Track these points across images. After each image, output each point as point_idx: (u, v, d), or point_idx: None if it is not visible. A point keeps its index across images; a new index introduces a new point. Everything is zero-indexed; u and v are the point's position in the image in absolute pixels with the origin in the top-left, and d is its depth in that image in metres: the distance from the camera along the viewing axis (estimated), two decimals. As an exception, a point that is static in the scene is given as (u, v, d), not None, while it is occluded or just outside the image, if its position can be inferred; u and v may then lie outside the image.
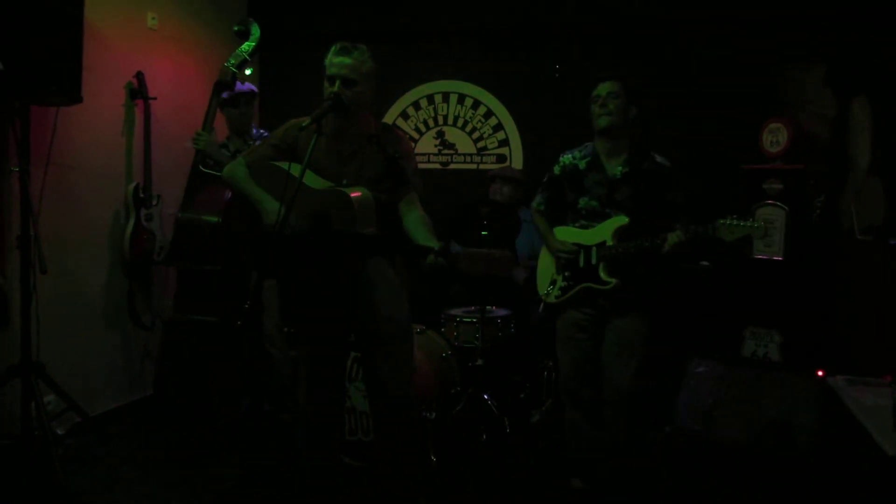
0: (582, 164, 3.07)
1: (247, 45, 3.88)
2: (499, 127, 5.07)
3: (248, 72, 3.89)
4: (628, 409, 3.03)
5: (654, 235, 2.87)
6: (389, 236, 2.71)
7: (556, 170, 3.17)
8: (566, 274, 3.10)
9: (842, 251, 4.01)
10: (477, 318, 3.93)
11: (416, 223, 2.69)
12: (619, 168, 3.00)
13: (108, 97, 4.13)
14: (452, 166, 5.18)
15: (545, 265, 3.23)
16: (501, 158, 5.06)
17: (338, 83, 2.62)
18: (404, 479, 2.95)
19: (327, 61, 2.67)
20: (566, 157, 3.14)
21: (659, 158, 3.01)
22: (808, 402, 3.64)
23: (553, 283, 3.15)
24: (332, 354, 2.92)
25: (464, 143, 5.16)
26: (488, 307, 4.05)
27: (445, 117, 5.18)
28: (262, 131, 4.04)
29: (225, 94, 4.01)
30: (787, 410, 3.67)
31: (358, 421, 3.52)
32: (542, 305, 3.19)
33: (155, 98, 4.29)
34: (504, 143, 5.06)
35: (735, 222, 2.76)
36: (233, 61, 3.87)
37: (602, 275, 2.98)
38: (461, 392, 3.89)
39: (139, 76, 4.26)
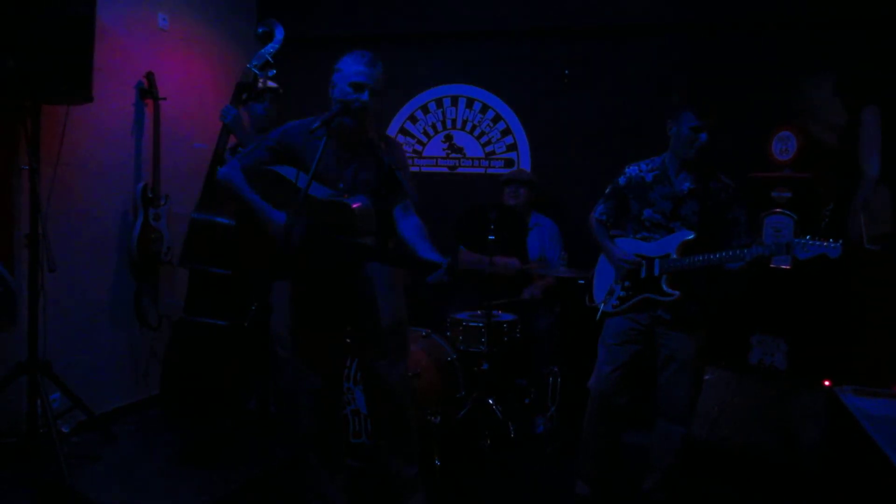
0: (649, 177, 3.09)
1: (270, 47, 3.88)
2: (507, 131, 5.06)
3: (270, 73, 3.89)
4: (686, 425, 3.11)
5: (724, 250, 2.88)
6: (391, 249, 2.74)
7: (622, 181, 3.17)
8: (625, 284, 3.11)
9: (850, 260, 3.98)
10: (483, 323, 3.93)
11: (413, 231, 2.71)
12: (687, 183, 3.01)
13: (119, 97, 4.15)
14: (460, 170, 5.18)
15: (603, 274, 3.24)
16: (509, 162, 5.06)
17: (367, 91, 2.64)
18: (405, 480, 2.96)
19: (354, 69, 2.65)
20: (633, 169, 3.15)
21: (724, 177, 3.04)
22: (815, 412, 3.62)
23: (611, 292, 3.16)
24: (331, 357, 2.95)
25: (472, 147, 5.16)
26: (494, 312, 4.05)
27: (454, 121, 5.18)
28: None
29: (244, 95, 4.01)
30: (793, 419, 3.66)
31: (362, 424, 3.52)
32: (598, 314, 3.19)
33: (165, 98, 4.31)
34: (512, 147, 5.06)
35: (810, 241, 2.75)
36: (256, 63, 3.87)
37: (665, 286, 2.99)
38: (466, 396, 3.88)
39: (149, 76, 4.27)
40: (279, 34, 3.86)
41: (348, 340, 3.07)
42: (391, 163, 2.72)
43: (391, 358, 2.87)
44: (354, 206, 2.57)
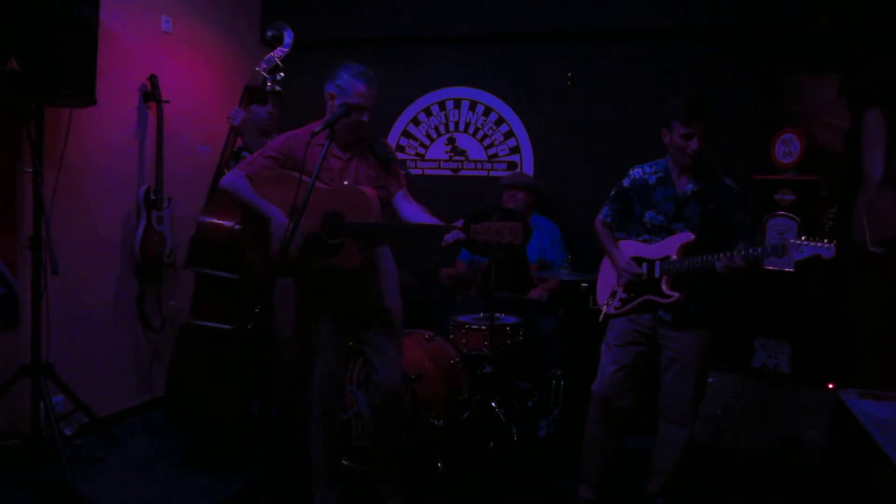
0: (652, 179, 3.09)
1: (280, 51, 3.90)
2: (510, 134, 5.06)
3: (279, 77, 3.91)
4: (689, 428, 3.11)
5: (721, 252, 2.88)
6: (403, 225, 2.95)
7: (626, 183, 3.18)
8: (627, 286, 3.12)
9: (853, 263, 3.98)
10: (485, 326, 3.92)
11: (417, 211, 2.94)
12: (689, 186, 3.02)
13: (122, 100, 4.16)
14: (463, 172, 5.18)
15: (606, 276, 3.25)
16: (512, 165, 5.06)
17: (366, 113, 2.84)
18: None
19: (357, 90, 2.79)
20: (636, 171, 3.16)
21: (727, 180, 3.04)
22: (818, 415, 3.61)
23: (613, 294, 3.17)
24: (342, 352, 3.05)
25: (475, 150, 5.16)
26: (497, 315, 4.04)
27: (457, 123, 5.18)
28: None
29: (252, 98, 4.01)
30: (796, 423, 3.65)
31: (365, 427, 3.52)
32: (601, 316, 3.20)
33: (168, 101, 4.31)
34: (515, 149, 5.05)
35: (804, 242, 2.74)
36: (265, 66, 3.89)
37: (665, 288, 3.00)
38: (469, 399, 3.87)
39: (153, 79, 4.28)
40: (288, 38, 3.89)
41: (351, 343, 3.10)
42: (385, 155, 2.96)
43: (393, 350, 3.01)
44: (367, 190, 2.80)
